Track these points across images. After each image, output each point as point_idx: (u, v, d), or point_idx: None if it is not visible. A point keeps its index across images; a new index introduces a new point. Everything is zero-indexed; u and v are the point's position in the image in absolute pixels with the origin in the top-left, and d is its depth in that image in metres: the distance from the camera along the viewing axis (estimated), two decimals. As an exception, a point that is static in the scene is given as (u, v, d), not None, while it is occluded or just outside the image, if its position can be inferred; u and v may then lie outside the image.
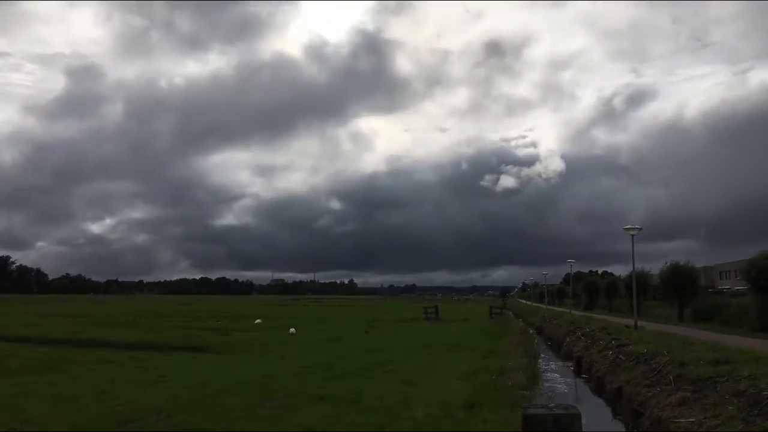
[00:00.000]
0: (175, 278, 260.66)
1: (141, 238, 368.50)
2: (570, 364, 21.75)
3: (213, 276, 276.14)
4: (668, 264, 34.57)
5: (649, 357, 14.40)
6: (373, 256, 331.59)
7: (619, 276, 59.48)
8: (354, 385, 11.65)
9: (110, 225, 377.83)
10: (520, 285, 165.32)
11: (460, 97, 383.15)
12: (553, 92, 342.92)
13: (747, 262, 26.38)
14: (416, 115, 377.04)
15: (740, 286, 42.84)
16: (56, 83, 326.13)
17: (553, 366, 21.07)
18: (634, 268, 28.44)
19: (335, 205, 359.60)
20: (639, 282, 31.58)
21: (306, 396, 10.54)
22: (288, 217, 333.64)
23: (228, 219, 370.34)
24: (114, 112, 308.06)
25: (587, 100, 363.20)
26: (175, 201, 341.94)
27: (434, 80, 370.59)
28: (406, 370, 14.22)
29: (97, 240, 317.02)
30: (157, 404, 9.80)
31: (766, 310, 24.12)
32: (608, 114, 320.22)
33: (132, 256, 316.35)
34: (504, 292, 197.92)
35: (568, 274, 58.05)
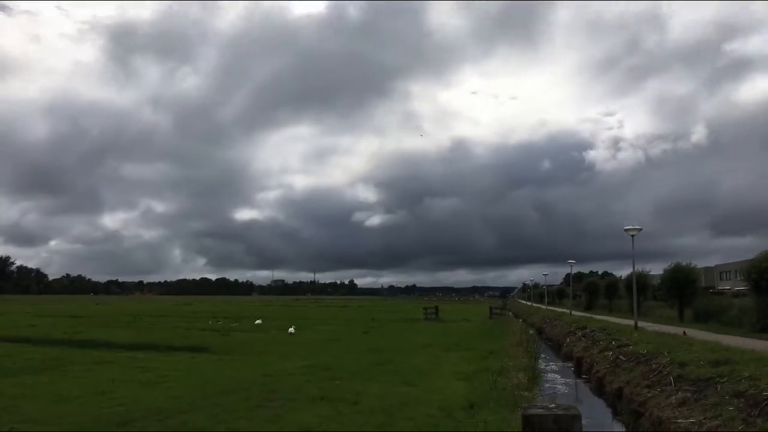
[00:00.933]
0: (176, 278, 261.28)
1: (157, 233, 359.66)
2: (570, 364, 21.75)
3: (231, 276, 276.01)
4: (671, 264, 34.60)
5: (649, 357, 14.40)
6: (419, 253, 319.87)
7: (620, 276, 59.49)
8: (354, 386, 11.65)
9: (127, 218, 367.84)
10: (520, 285, 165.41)
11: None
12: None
13: (748, 262, 26.37)
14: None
15: (741, 287, 42.87)
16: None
17: (553, 366, 21.07)
18: (634, 268, 28.46)
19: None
20: (639, 282, 31.57)
21: (306, 396, 10.54)
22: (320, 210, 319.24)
23: (252, 212, 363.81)
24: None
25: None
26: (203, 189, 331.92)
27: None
28: (406, 371, 14.22)
29: (112, 236, 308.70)
30: (157, 404, 9.81)
31: (767, 311, 24.10)
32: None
33: (143, 253, 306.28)
34: (504, 292, 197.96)
35: (568, 275, 58.08)
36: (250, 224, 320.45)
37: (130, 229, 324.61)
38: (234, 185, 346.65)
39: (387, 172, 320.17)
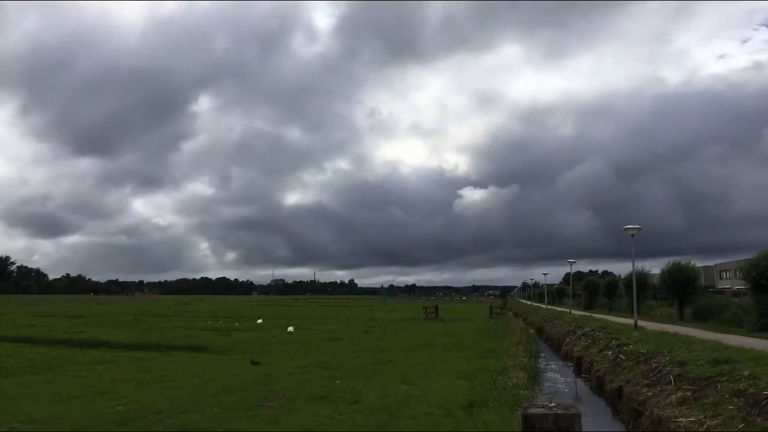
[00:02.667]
0: (176, 278, 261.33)
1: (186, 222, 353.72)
2: (570, 363, 21.76)
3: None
4: (670, 263, 34.61)
5: (649, 356, 14.40)
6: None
7: (619, 275, 59.50)
8: (354, 385, 11.65)
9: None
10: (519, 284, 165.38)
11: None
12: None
13: (747, 261, 26.38)
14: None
15: (740, 286, 42.87)
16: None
17: (553, 365, 21.08)
18: (633, 267, 28.47)
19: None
20: (639, 281, 31.58)
21: (306, 396, 10.54)
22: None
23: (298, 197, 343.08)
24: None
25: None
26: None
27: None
28: (406, 370, 14.23)
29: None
30: (158, 404, 9.81)
31: (766, 309, 24.11)
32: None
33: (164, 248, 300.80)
34: (504, 291, 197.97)
35: (568, 274, 58.06)
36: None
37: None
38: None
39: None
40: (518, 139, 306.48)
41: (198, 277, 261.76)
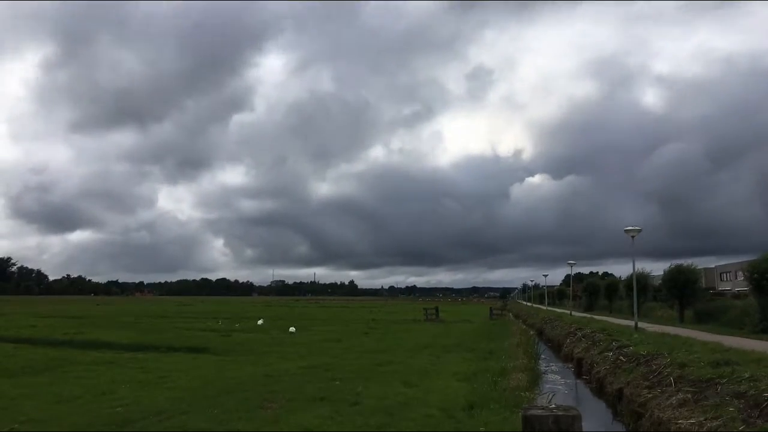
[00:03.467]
0: (176, 279, 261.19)
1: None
2: (570, 365, 21.74)
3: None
4: (672, 266, 34.66)
5: (649, 358, 14.38)
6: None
7: (620, 277, 59.48)
8: (354, 386, 11.64)
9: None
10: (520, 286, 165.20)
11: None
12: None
13: (749, 263, 26.37)
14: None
15: (741, 287, 42.85)
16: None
17: (553, 367, 21.06)
18: (634, 269, 28.45)
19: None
20: (639, 283, 31.57)
21: (306, 397, 10.54)
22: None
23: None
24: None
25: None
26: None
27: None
28: (406, 371, 14.22)
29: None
30: (158, 405, 9.81)
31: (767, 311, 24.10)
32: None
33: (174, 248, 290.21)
34: (504, 293, 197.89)
35: (568, 275, 58.07)
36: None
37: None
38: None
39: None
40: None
41: (198, 278, 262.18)
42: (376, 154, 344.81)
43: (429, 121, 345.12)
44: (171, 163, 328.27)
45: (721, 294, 49.76)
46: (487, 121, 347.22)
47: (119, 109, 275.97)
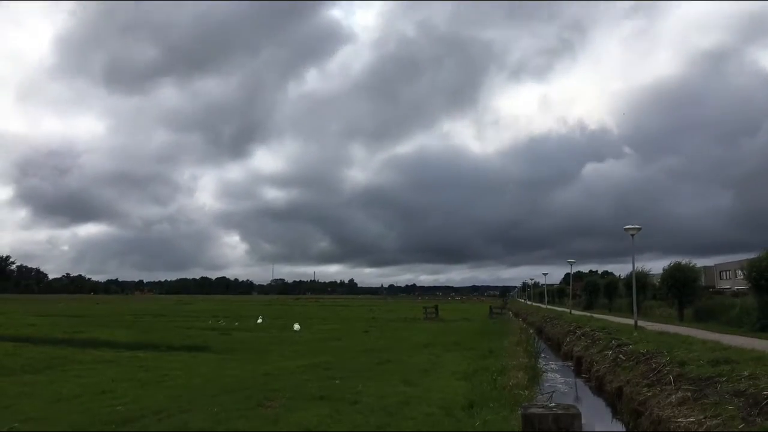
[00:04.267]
0: (175, 278, 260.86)
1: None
2: (570, 363, 21.77)
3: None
4: (671, 264, 34.67)
5: (649, 356, 14.40)
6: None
7: (619, 276, 59.55)
8: (354, 385, 11.65)
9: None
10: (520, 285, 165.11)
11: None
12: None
13: (748, 261, 26.40)
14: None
15: (740, 286, 42.90)
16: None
17: (553, 366, 21.08)
18: (633, 267, 28.46)
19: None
20: (639, 281, 31.59)
21: (306, 396, 10.54)
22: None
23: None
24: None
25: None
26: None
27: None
28: (406, 370, 14.22)
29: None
30: (158, 404, 9.81)
31: (767, 310, 24.13)
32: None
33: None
34: (504, 291, 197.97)
35: (567, 274, 58.09)
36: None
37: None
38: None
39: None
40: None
41: (198, 276, 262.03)
42: (423, 138, 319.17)
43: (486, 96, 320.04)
44: (204, 137, 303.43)
45: (720, 292, 49.80)
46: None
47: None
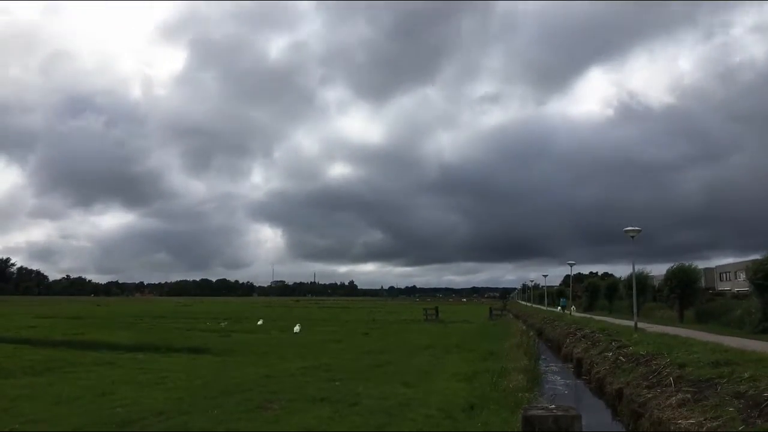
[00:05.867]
0: (175, 279, 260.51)
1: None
2: (570, 365, 21.75)
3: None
4: (674, 266, 34.76)
5: (649, 358, 14.40)
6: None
7: (620, 277, 59.47)
8: (354, 387, 11.65)
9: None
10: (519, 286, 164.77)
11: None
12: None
13: (750, 263, 26.40)
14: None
15: (741, 288, 42.89)
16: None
17: (553, 367, 21.08)
18: (633, 269, 28.46)
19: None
20: (639, 283, 31.59)
21: (306, 397, 10.54)
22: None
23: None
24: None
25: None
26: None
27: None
28: (406, 372, 14.22)
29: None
30: (158, 405, 9.81)
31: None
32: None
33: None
34: (504, 293, 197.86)
35: (568, 276, 58.10)
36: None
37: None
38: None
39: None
40: None
41: (198, 278, 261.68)
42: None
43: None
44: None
45: (721, 294, 49.80)
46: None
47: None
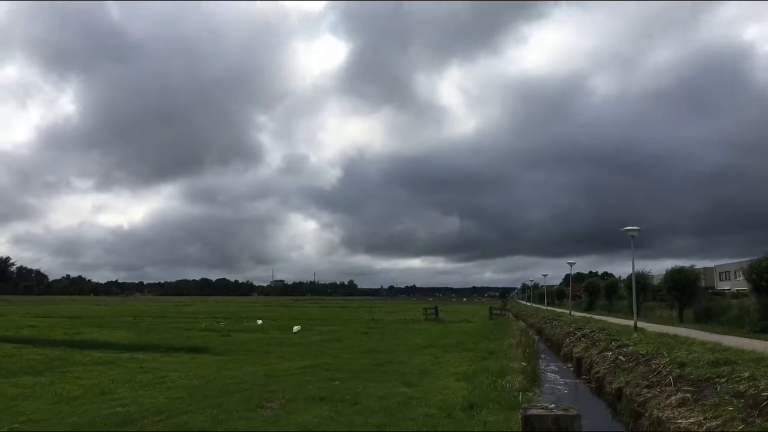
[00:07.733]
0: (175, 279, 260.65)
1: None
2: (570, 365, 21.75)
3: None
4: (673, 267, 34.83)
5: (649, 358, 14.40)
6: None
7: (620, 277, 59.52)
8: (354, 386, 11.65)
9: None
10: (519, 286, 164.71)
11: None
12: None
13: (748, 263, 26.40)
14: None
15: (740, 287, 42.90)
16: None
17: (553, 367, 21.07)
18: (633, 269, 28.44)
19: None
20: (639, 283, 31.60)
21: (306, 397, 10.54)
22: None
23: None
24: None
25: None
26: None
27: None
28: (406, 371, 14.23)
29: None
30: (158, 405, 9.81)
31: (767, 311, 24.12)
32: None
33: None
34: (504, 293, 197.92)
35: (568, 275, 58.09)
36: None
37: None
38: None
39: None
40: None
41: (198, 278, 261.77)
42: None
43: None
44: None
45: (720, 293, 49.83)
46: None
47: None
